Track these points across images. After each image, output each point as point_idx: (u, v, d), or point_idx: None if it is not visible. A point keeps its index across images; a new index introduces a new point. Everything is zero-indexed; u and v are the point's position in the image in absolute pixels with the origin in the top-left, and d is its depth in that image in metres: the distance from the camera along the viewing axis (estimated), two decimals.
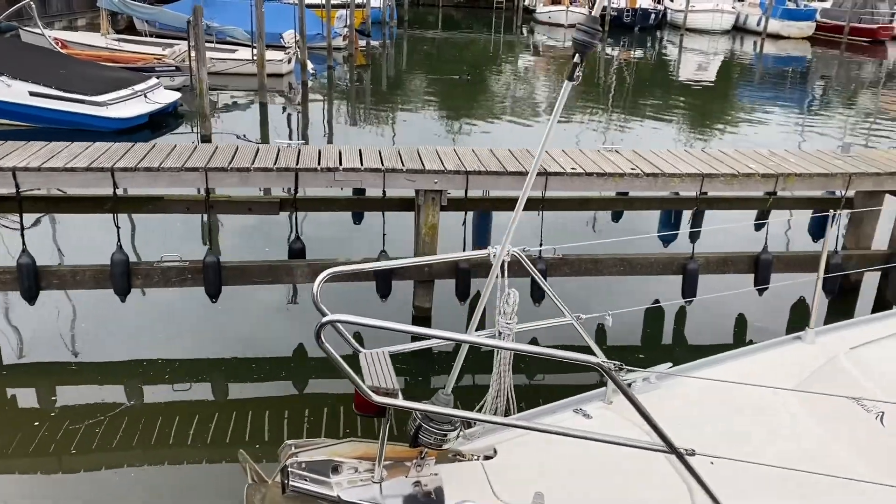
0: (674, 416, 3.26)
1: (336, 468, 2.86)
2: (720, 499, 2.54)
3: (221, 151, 7.03)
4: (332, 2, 22.53)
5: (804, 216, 8.93)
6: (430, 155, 7.30)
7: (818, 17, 36.97)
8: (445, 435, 2.75)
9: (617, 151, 7.85)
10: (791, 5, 37.06)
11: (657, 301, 8.04)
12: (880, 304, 7.96)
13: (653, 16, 38.41)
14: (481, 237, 7.96)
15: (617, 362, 2.56)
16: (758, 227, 8.83)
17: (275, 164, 6.77)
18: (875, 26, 35.75)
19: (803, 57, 34.61)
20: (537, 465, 3.04)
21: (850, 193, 7.87)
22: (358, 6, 25.73)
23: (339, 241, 8.29)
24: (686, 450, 2.51)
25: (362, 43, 26.79)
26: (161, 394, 6.24)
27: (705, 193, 7.70)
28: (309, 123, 17.17)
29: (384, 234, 7.21)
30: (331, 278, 3.07)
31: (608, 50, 33.81)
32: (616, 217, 8.57)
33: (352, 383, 2.61)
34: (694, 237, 8.43)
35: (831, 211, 5.03)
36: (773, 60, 33.66)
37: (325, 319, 2.50)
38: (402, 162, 7.03)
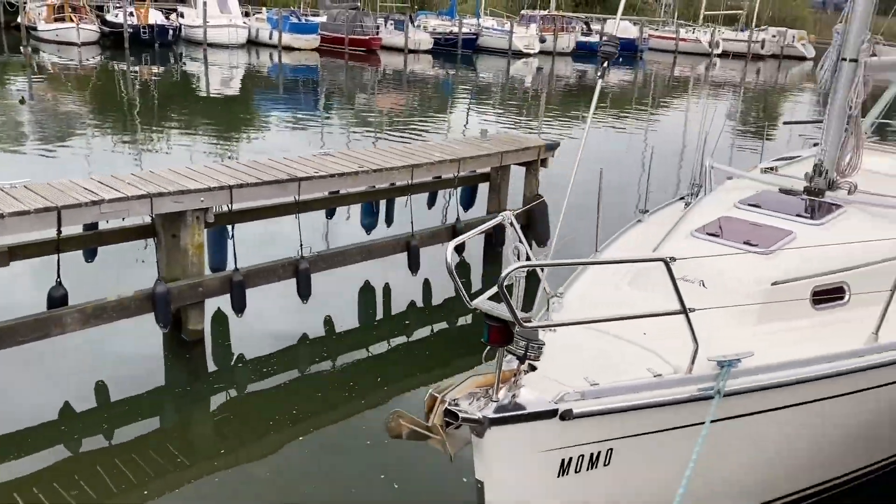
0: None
1: (466, 398, 3.59)
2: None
3: None
4: None
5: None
6: (167, 175, 7.27)
7: (321, 30, 41.35)
8: (541, 348, 3.66)
9: (330, 154, 8.83)
10: (294, 20, 40.72)
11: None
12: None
13: (170, 32, 38.25)
14: (219, 250, 8.08)
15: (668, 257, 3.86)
16: (429, 206, 10.67)
17: (32, 207, 6.11)
18: (367, 37, 41.61)
19: (315, 66, 38.46)
20: (569, 359, 4.13)
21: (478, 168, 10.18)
22: None
23: (97, 281, 7.57)
24: (690, 308, 3.91)
25: None
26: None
27: (393, 183, 9.17)
28: None
29: (157, 261, 7.03)
30: None
31: (134, 68, 32.76)
32: (330, 214, 9.51)
33: (512, 318, 3.36)
34: (390, 220, 9.92)
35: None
36: (290, 70, 36.71)
37: (511, 267, 3.25)
38: (157, 185, 6.93)
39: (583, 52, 48.98)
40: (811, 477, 5.07)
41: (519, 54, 45.92)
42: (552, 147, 10.40)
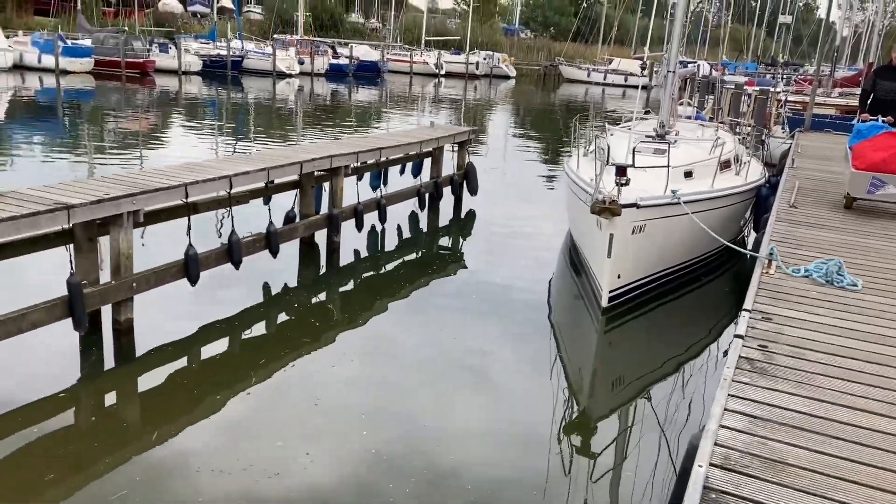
0: None
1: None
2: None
3: None
4: None
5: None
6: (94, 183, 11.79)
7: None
8: (630, 180, 9.42)
9: (337, 140, 13.69)
10: (70, 43, 40.96)
11: None
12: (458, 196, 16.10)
13: None
14: None
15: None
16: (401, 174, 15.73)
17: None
18: (142, 60, 43.15)
19: (92, 89, 39.34)
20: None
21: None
22: None
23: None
24: (673, 166, 9.97)
25: None
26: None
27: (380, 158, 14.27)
28: None
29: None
30: None
31: None
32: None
33: (631, 164, 9.10)
34: (385, 182, 14.94)
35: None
36: (70, 94, 37.32)
37: (634, 143, 9.03)
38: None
39: (334, 73, 54.95)
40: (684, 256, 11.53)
41: (282, 75, 50.44)
42: (475, 132, 16.20)
